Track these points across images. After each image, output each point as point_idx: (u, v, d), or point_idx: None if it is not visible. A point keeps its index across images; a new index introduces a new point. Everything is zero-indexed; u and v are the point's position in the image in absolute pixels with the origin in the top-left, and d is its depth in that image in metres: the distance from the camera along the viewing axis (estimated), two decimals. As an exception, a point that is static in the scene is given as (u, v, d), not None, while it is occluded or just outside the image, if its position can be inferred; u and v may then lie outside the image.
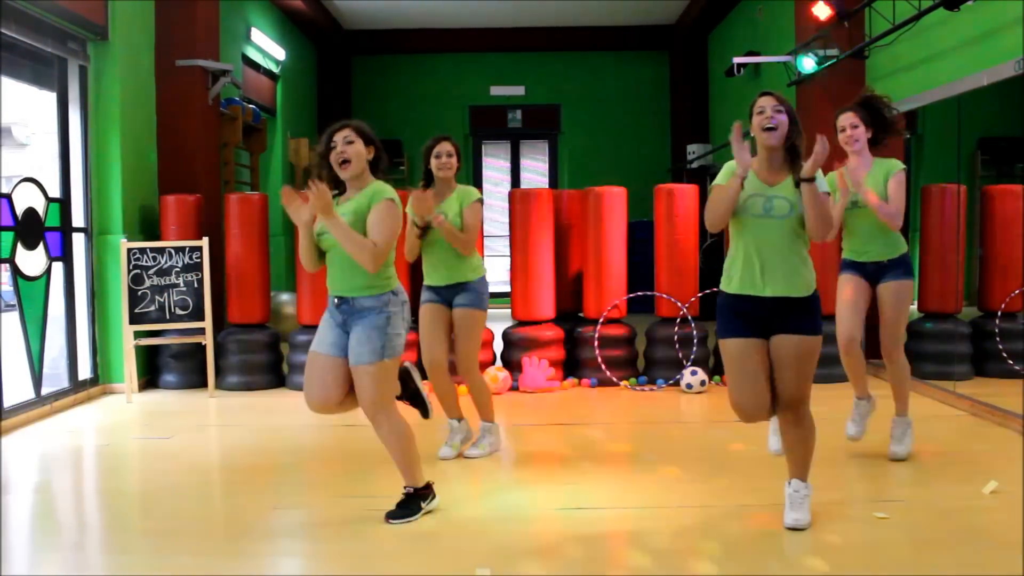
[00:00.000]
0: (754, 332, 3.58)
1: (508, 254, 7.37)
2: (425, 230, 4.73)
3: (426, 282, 4.91)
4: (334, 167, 3.80)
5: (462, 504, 4.14)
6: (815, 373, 3.64)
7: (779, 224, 3.53)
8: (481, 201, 4.87)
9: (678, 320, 7.13)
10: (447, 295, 4.85)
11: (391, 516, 3.83)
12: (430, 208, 4.63)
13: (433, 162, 4.81)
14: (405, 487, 3.88)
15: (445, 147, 4.82)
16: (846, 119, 4.59)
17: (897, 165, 4.59)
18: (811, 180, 3.47)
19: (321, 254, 3.83)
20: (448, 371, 4.87)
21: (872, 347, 7.69)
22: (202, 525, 3.92)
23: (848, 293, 4.69)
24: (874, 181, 4.55)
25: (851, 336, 4.65)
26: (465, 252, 4.77)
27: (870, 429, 5.60)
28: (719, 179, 3.66)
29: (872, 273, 4.68)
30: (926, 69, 6.78)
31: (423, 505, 3.89)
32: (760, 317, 3.58)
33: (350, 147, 3.78)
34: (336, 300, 3.77)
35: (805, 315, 3.57)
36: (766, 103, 3.56)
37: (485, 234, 7.43)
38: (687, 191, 7.22)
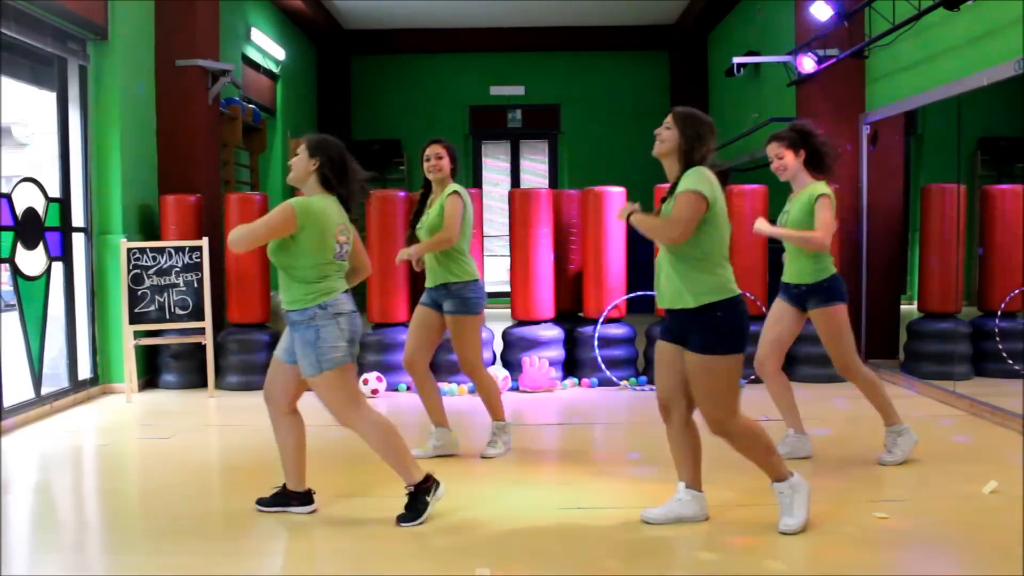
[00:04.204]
0: (670, 338, 3.71)
1: (508, 254, 7.38)
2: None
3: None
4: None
5: (462, 504, 4.14)
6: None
7: None
8: (458, 193, 4.82)
9: (678, 320, 7.12)
10: (435, 297, 4.90)
11: (401, 519, 3.82)
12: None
13: (424, 164, 4.89)
14: (406, 486, 3.88)
15: (435, 150, 4.87)
16: (773, 149, 4.66)
17: (820, 189, 4.61)
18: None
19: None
20: (426, 372, 4.95)
21: (872, 348, 7.74)
22: (202, 525, 3.92)
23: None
24: (800, 205, 4.61)
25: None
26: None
27: (869, 430, 5.60)
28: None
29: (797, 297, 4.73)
30: (926, 69, 6.78)
31: (428, 499, 3.86)
32: (670, 326, 3.69)
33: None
34: (284, 309, 3.91)
35: (695, 330, 3.56)
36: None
37: (484, 234, 7.42)
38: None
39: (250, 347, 7.17)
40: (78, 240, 6.81)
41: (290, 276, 3.74)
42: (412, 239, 4.91)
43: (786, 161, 4.62)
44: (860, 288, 7.78)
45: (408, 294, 7.26)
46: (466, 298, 4.79)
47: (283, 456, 3.99)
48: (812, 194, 4.57)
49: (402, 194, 7.27)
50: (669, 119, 3.66)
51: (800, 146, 4.61)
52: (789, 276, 4.72)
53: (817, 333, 4.69)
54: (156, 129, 7.57)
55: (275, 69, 11.61)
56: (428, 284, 4.88)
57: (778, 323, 4.76)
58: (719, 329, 3.51)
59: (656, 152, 3.70)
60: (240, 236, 3.70)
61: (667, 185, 3.70)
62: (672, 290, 3.61)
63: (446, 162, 4.83)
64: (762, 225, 4.69)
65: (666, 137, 3.65)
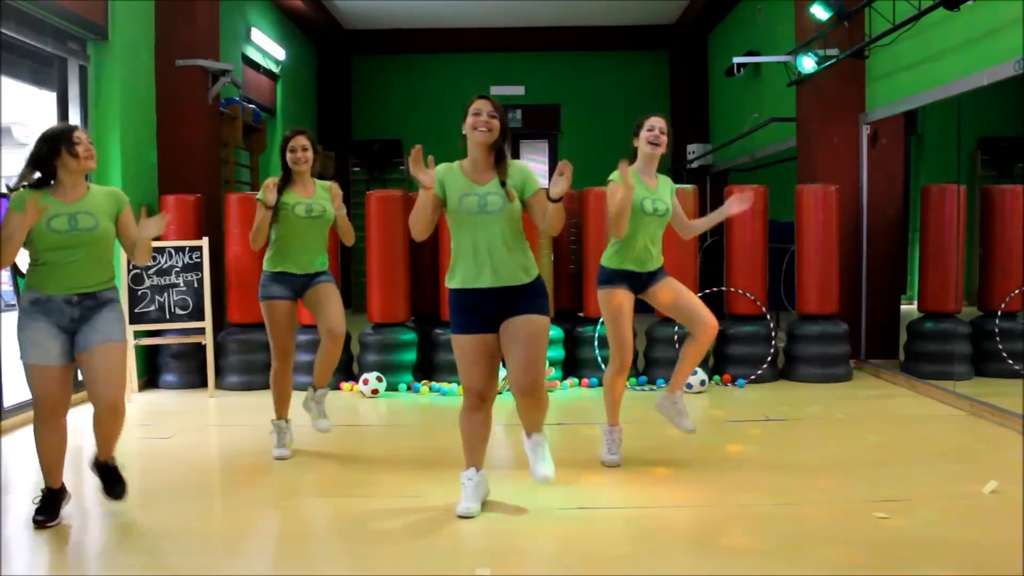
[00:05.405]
0: (481, 324, 3.80)
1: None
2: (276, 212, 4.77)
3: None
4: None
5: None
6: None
7: (495, 218, 3.76)
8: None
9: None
10: (305, 283, 4.83)
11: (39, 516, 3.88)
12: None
13: (288, 155, 4.82)
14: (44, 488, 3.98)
15: (300, 141, 4.82)
16: (658, 122, 4.60)
17: (670, 180, 4.72)
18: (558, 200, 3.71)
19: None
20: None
21: (872, 347, 7.74)
22: (202, 525, 3.92)
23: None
24: (667, 194, 4.65)
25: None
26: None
27: (869, 430, 5.60)
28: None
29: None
30: (926, 69, 6.78)
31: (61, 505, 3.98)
32: (488, 310, 3.79)
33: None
34: (76, 297, 3.83)
35: (531, 297, 3.82)
36: (483, 106, 3.76)
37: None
38: (687, 191, 7.22)
39: (250, 347, 7.17)
40: (78, 240, 6.80)
41: (109, 257, 3.95)
42: (279, 220, 4.81)
43: (664, 140, 4.58)
44: (860, 288, 7.78)
45: (408, 294, 7.26)
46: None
47: (54, 459, 3.97)
48: (671, 185, 4.69)
49: (402, 194, 7.27)
50: (491, 108, 3.77)
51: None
52: (646, 265, 4.69)
53: (667, 304, 4.83)
54: (156, 129, 7.57)
55: (275, 69, 11.61)
56: (298, 271, 4.78)
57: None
58: (544, 296, 3.88)
59: (485, 140, 3.77)
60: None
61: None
62: (509, 269, 3.79)
63: (311, 154, 4.82)
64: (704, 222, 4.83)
65: (494, 126, 3.78)
